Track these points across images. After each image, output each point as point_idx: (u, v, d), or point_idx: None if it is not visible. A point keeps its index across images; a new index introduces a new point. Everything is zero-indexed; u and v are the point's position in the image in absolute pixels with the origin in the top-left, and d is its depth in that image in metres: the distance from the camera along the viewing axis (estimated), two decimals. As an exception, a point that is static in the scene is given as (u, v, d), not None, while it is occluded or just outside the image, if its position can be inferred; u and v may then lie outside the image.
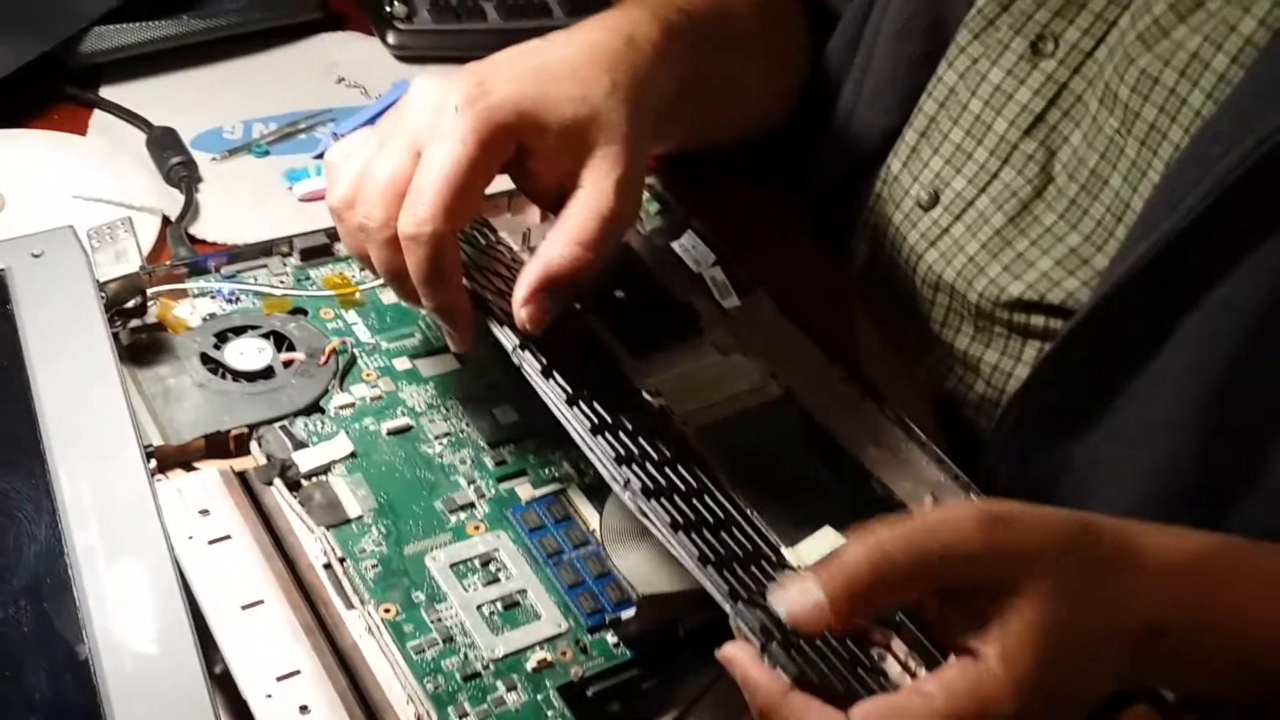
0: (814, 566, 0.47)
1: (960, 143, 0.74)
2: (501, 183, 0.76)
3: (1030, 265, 0.71)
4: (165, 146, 0.78)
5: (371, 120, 0.83)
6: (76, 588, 0.50)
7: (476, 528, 0.59)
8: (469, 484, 0.60)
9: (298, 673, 0.51)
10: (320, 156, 0.81)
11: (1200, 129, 0.62)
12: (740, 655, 0.48)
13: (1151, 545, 0.51)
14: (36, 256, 0.62)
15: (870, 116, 0.79)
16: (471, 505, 0.59)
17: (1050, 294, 0.70)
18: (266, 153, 0.81)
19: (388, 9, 0.90)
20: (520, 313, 0.58)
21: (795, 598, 0.47)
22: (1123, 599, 0.50)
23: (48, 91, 0.82)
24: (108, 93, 0.83)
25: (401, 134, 0.58)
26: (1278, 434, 0.62)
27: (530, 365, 0.58)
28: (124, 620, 0.49)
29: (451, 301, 0.58)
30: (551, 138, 0.58)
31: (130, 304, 0.62)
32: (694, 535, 0.52)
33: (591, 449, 0.55)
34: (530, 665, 0.54)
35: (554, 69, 0.60)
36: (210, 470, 0.58)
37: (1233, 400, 0.62)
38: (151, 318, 0.64)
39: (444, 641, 0.54)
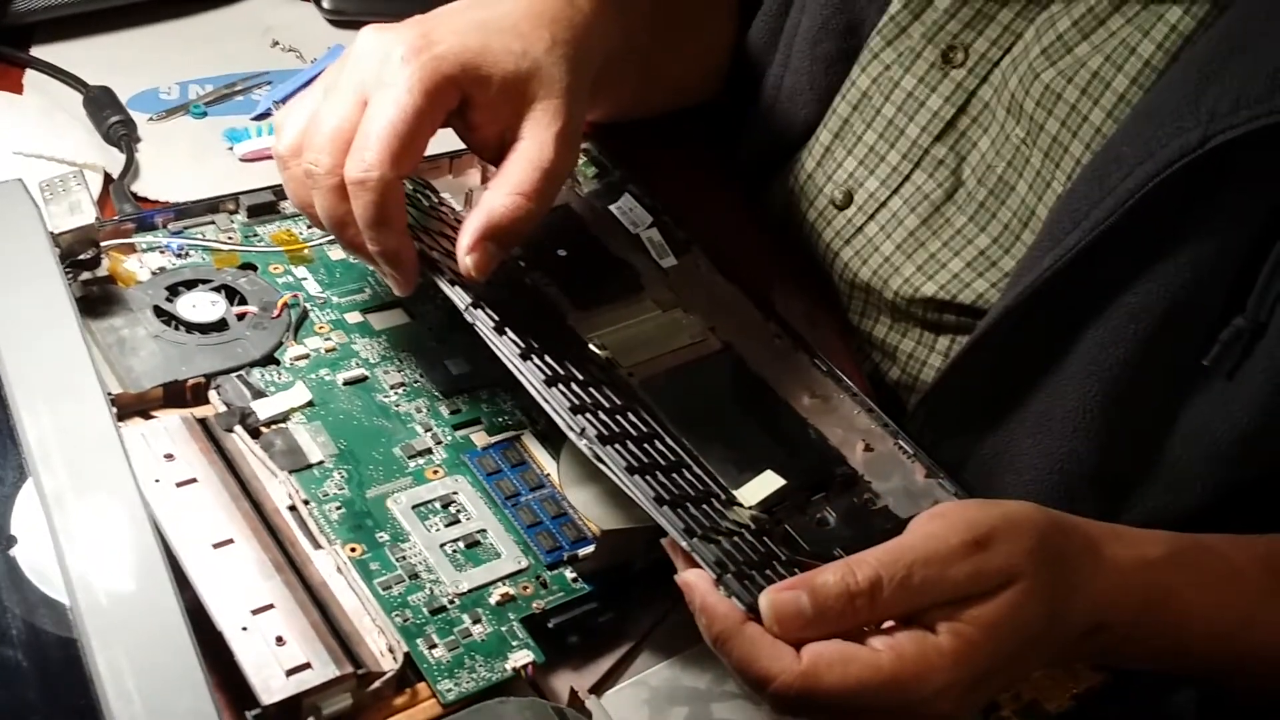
0: (803, 583, 0.49)
1: (873, 145, 0.76)
2: (443, 145, 0.78)
3: (942, 266, 0.74)
4: (103, 106, 0.78)
5: (307, 84, 0.84)
6: (49, 528, 0.51)
7: (435, 472, 0.60)
8: (426, 431, 0.62)
9: (271, 607, 0.52)
10: (260, 118, 0.81)
11: (1103, 147, 0.64)
12: (699, 582, 0.51)
13: (1109, 554, 0.55)
14: (-15, 208, 0.62)
15: (790, 111, 0.82)
16: (429, 451, 0.61)
17: (961, 295, 0.73)
18: (204, 114, 0.81)
19: (321, -26, 0.91)
20: (465, 260, 0.59)
21: (783, 602, 0.49)
22: (1074, 601, 0.53)
23: (-25, 51, 0.81)
24: (39, 52, 0.82)
25: (347, 83, 0.59)
26: (1169, 428, 0.66)
27: (483, 322, 0.59)
28: (97, 558, 0.50)
29: (397, 245, 0.59)
30: (493, 90, 0.60)
31: (84, 256, 0.63)
32: (648, 477, 0.54)
33: (547, 400, 0.57)
34: (494, 599, 0.56)
35: (497, 23, 0.61)
36: (172, 416, 0.59)
37: (1130, 398, 0.66)
38: (103, 270, 0.64)
39: (410, 578, 0.56)
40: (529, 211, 0.59)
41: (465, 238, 0.59)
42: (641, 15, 0.72)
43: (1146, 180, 0.60)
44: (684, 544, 0.52)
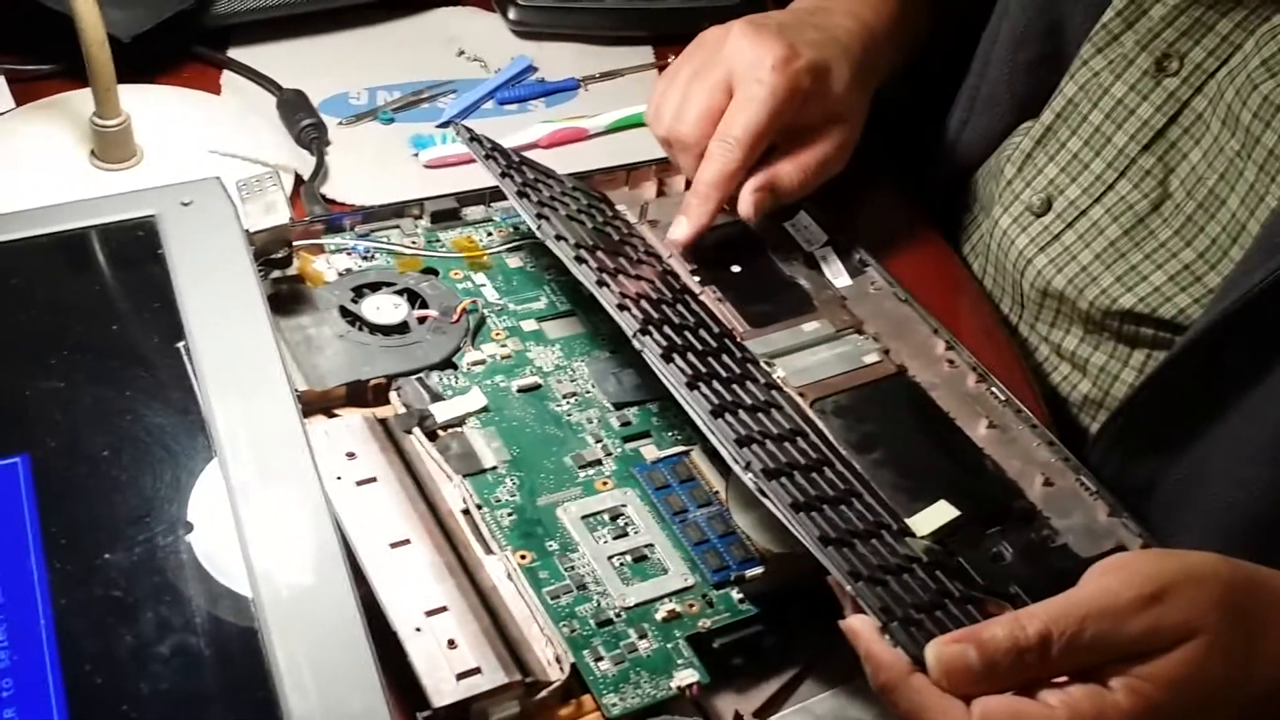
0: (970, 636, 0.48)
1: (1077, 152, 0.75)
2: (619, 157, 0.79)
3: (1143, 278, 0.72)
4: (296, 108, 0.80)
5: (492, 94, 0.86)
6: (234, 519, 0.52)
7: (605, 484, 0.61)
8: (596, 442, 0.62)
9: (445, 609, 0.53)
10: (443, 125, 0.83)
11: None
12: (864, 629, 0.50)
13: None
14: (185, 205, 0.64)
15: (986, 120, 0.81)
16: (599, 462, 0.62)
17: (1161, 309, 0.71)
18: (391, 120, 0.83)
19: (508, -15, 0.92)
20: (747, 199, 0.71)
21: (950, 656, 0.48)
22: (1259, 661, 0.50)
23: (177, 50, 0.84)
24: (236, 54, 0.86)
25: (719, 71, 0.70)
26: None
27: (651, 349, 0.60)
28: (280, 551, 0.51)
29: (718, 201, 0.71)
30: (823, 103, 0.72)
31: (277, 255, 0.65)
32: (814, 514, 0.53)
33: (713, 431, 0.56)
34: (660, 615, 0.56)
35: (840, 41, 0.74)
36: (355, 415, 0.61)
37: None
38: (293, 270, 0.66)
39: (578, 589, 0.56)
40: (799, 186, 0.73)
41: (751, 183, 0.71)
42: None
43: None
44: (849, 587, 0.51)
